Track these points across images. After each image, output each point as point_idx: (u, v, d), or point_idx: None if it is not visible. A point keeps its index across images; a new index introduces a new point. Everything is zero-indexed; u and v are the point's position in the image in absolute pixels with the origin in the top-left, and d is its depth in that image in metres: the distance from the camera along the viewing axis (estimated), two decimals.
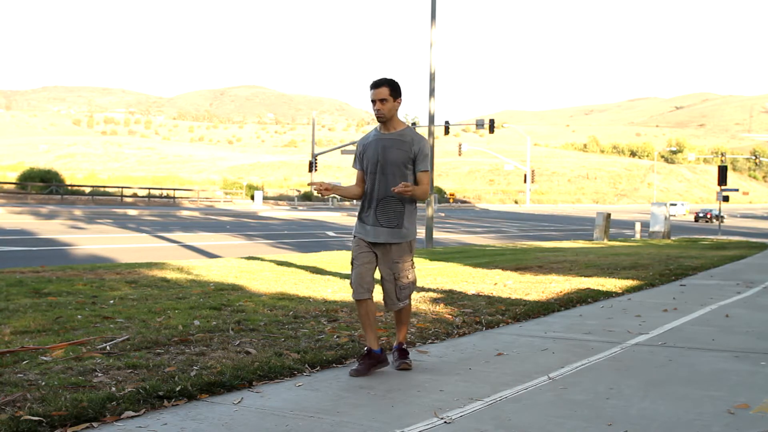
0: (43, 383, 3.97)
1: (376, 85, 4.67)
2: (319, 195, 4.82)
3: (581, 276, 10.69)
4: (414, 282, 4.85)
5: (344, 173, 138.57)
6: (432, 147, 20.44)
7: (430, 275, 10.50)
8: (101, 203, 50.00)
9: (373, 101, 4.68)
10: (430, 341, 5.74)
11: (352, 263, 4.80)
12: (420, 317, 6.56)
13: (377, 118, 4.72)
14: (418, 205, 4.90)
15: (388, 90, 4.66)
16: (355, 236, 4.83)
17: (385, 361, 4.76)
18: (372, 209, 4.72)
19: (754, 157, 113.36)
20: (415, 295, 7.51)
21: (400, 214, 4.70)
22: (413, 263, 4.86)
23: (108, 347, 4.95)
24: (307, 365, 4.70)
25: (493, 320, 6.66)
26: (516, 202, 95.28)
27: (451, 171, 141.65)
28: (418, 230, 5.26)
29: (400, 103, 4.74)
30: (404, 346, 4.89)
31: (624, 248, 19.09)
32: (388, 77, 4.73)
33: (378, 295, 4.93)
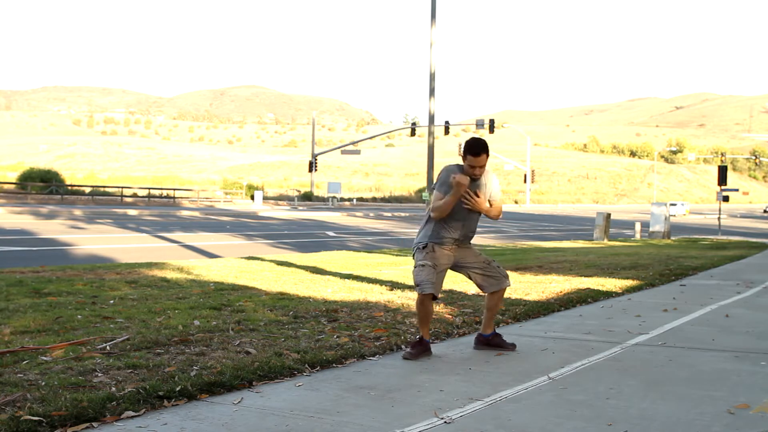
0: (43, 383, 3.97)
1: (477, 153, 5.13)
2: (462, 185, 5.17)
3: (581, 276, 10.69)
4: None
5: (343, 173, 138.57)
6: (432, 147, 20.46)
7: None
8: (101, 203, 49.99)
9: (472, 166, 5.14)
10: (430, 341, 5.74)
11: (423, 266, 5.24)
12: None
13: (471, 178, 5.17)
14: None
15: (486, 157, 5.17)
16: (434, 249, 5.29)
17: (429, 351, 5.26)
18: (458, 230, 5.31)
19: (754, 157, 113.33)
20: (414, 295, 7.52)
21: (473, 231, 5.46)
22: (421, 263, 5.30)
23: (108, 347, 4.96)
24: (307, 365, 4.71)
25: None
26: (516, 202, 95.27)
27: None
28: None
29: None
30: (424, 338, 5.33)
31: (624, 248, 19.09)
32: (482, 140, 5.18)
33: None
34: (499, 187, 5.43)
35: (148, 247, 18.19)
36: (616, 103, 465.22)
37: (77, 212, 36.27)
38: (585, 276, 10.69)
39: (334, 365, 4.84)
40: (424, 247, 5.31)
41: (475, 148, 5.12)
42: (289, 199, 68.85)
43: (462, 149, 5.25)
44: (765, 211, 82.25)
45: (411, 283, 5.39)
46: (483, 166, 5.18)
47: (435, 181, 5.38)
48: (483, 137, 6.11)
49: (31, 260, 13.73)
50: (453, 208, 5.24)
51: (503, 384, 4.42)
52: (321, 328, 5.97)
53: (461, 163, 5.27)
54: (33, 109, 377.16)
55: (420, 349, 5.19)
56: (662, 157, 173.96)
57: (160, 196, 60.10)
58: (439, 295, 5.42)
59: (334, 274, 10.31)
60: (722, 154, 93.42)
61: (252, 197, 61.44)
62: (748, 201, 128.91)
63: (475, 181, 5.25)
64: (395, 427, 3.56)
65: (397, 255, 15.32)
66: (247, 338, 5.41)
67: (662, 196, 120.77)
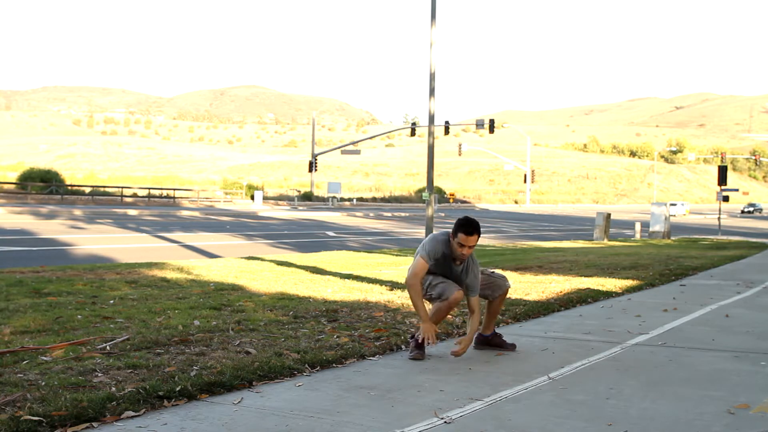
0: (43, 383, 3.97)
1: (470, 233, 5.05)
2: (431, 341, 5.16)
3: (581, 276, 10.69)
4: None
5: (343, 173, 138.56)
6: (432, 147, 20.47)
7: None
8: (101, 203, 50.01)
9: (462, 244, 5.06)
10: None
11: (436, 284, 5.22)
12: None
13: (459, 257, 5.13)
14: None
15: (477, 239, 5.10)
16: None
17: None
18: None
19: (754, 157, 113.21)
20: None
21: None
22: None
23: (108, 347, 4.96)
24: (307, 365, 4.71)
25: None
26: (516, 202, 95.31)
27: (451, 171, 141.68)
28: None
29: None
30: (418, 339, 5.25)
31: (624, 248, 19.09)
32: (476, 221, 5.10)
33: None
34: (479, 279, 5.31)
35: (148, 247, 18.19)
36: (616, 103, 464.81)
37: (77, 212, 36.27)
38: (585, 276, 10.69)
39: (334, 365, 4.84)
40: None
41: (468, 228, 5.03)
42: (289, 199, 68.85)
43: (454, 226, 5.11)
44: (743, 212, 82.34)
45: None
46: (472, 247, 5.10)
47: (422, 245, 5.25)
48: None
49: (31, 260, 13.73)
50: (439, 269, 5.20)
51: (503, 384, 4.43)
52: (321, 328, 5.97)
53: (449, 231, 5.21)
54: (33, 109, 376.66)
55: (424, 349, 5.24)
56: (662, 157, 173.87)
57: (160, 196, 60.11)
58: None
59: (334, 274, 10.31)
60: (722, 154, 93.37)
61: (252, 197, 61.46)
62: (747, 201, 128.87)
63: (456, 266, 5.22)
64: (395, 427, 3.56)
65: (397, 255, 15.32)
66: (247, 338, 5.41)
67: (662, 196, 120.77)
